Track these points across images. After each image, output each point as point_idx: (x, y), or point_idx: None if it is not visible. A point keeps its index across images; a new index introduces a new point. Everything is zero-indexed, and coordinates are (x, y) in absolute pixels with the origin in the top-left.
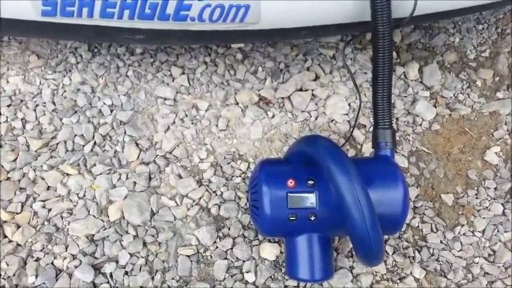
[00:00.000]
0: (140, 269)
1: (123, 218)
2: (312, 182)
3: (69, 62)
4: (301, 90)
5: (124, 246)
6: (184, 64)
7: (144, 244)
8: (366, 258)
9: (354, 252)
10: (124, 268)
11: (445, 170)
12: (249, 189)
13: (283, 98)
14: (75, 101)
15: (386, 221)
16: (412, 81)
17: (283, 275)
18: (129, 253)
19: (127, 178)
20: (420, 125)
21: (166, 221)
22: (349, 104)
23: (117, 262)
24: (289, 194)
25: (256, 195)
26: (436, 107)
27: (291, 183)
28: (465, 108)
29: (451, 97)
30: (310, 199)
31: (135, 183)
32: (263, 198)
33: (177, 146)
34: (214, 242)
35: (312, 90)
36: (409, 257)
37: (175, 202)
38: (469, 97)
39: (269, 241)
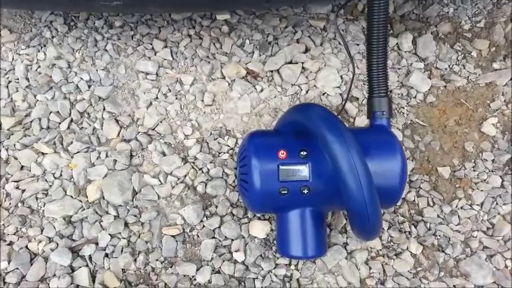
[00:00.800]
0: (122, 251)
1: (103, 198)
2: (305, 153)
3: (43, 36)
4: (290, 63)
5: (104, 227)
6: (166, 37)
7: (126, 225)
8: (363, 232)
9: (349, 227)
10: (104, 250)
11: (441, 142)
12: (237, 162)
13: (272, 72)
14: (51, 76)
15: (383, 194)
16: (406, 53)
17: (274, 253)
18: (110, 234)
19: (107, 156)
20: (415, 97)
21: (149, 200)
22: (341, 77)
23: (96, 244)
24: (281, 166)
25: (245, 168)
26: (430, 79)
27: (282, 154)
28: (461, 79)
29: (445, 68)
30: (303, 171)
31: (115, 161)
32: (252, 171)
33: (160, 122)
34: (201, 221)
35: (302, 62)
36: (405, 232)
37: (159, 180)
38: (464, 68)
39: (259, 218)
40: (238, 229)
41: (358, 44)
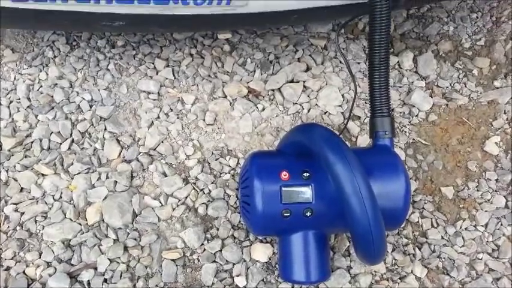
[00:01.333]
0: (121, 276)
1: (103, 220)
2: (308, 175)
3: (46, 55)
4: (292, 81)
5: (103, 251)
6: (168, 56)
7: (125, 248)
8: (367, 255)
9: (353, 250)
10: (103, 275)
11: (443, 161)
12: (239, 184)
13: (273, 90)
14: (52, 96)
15: (387, 215)
16: (407, 71)
17: (276, 278)
18: (109, 259)
19: (107, 177)
20: (416, 115)
21: (149, 223)
22: (342, 95)
23: (95, 269)
24: (283, 188)
25: (247, 190)
26: (432, 97)
27: (284, 176)
28: (462, 97)
29: (447, 87)
30: (306, 193)
31: (115, 182)
32: (255, 193)
33: (162, 142)
34: (202, 244)
35: (304, 81)
36: (409, 254)
37: (160, 202)
38: (465, 86)
39: (261, 241)
40: (240, 252)
41: (359, 63)
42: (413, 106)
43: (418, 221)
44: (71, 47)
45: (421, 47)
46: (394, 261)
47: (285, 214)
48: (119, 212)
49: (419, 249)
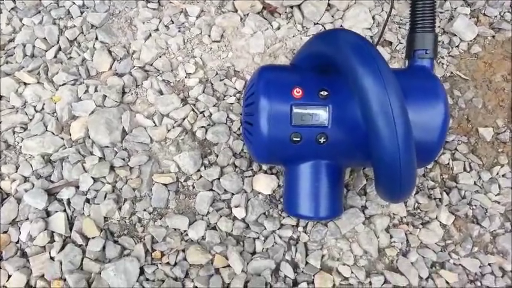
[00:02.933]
0: (105, 197)
1: (88, 136)
2: (326, 93)
3: None
4: None
5: (87, 169)
6: None
7: (112, 168)
8: (392, 189)
9: (370, 189)
10: (85, 195)
11: (484, 100)
12: (243, 101)
13: (292, 7)
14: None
15: (417, 148)
16: None
17: (279, 212)
18: (93, 177)
19: (95, 91)
20: (457, 46)
21: (140, 143)
22: (373, 17)
23: (77, 187)
24: (294, 108)
25: (251, 108)
26: (477, 26)
27: (297, 93)
28: None
29: (495, 16)
30: (321, 115)
31: (105, 96)
32: (260, 112)
33: (160, 57)
34: (198, 170)
35: None
36: (435, 198)
37: (153, 122)
38: None
39: (265, 172)
40: (240, 182)
41: None
42: (455, 35)
43: (448, 163)
44: None
45: None
46: (416, 204)
47: (295, 139)
48: (107, 128)
49: (447, 194)
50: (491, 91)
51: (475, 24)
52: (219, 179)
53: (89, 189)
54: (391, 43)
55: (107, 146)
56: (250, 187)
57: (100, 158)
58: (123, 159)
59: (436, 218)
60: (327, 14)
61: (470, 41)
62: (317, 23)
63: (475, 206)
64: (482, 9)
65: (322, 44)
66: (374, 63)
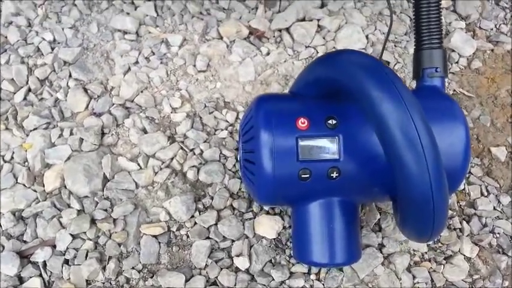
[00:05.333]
0: (86, 256)
1: (64, 187)
2: (334, 122)
3: None
4: (303, 20)
5: (64, 224)
6: None
7: (93, 221)
8: (424, 229)
9: (386, 224)
10: (63, 255)
11: (492, 117)
12: (240, 137)
13: (280, 31)
14: (6, 37)
15: None
16: (444, 10)
17: (288, 258)
18: (71, 234)
19: (71, 134)
20: (457, 62)
21: (124, 190)
22: (366, 37)
23: (53, 247)
24: (300, 140)
25: (250, 144)
26: (475, 40)
27: (302, 123)
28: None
29: (491, 29)
30: (332, 147)
31: (81, 140)
32: (261, 147)
33: (141, 92)
34: (192, 216)
35: (318, 20)
36: (455, 229)
37: (138, 164)
38: None
39: (267, 212)
40: (241, 227)
41: None
42: (453, 50)
43: (464, 189)
44: None
45: None
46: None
47: (303, 175)
48: (85, 176)
49: (468, 222)
50: (498, 107)
51: (472, 38)
52: (216, 224)
53: (67, 249)
54: (388, 63)
55: (86, 196)
56: (252, 231)
57: (79, 211)
58: (105, 210)
59: (459, 251)
60: (317, 36)
61: (470, 56)
62: (308, 46)
63: (499, 234)
64: (477, 23)
65: (326, 68)
66: (392, 85)
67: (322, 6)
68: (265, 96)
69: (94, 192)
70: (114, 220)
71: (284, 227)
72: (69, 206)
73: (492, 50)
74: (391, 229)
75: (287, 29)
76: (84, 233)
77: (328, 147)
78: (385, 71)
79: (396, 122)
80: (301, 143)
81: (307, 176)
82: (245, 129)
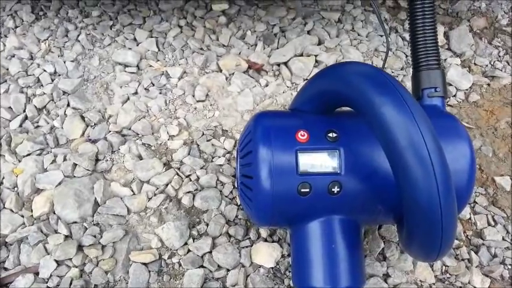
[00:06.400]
0: (70, 284)
1: (53, 212)
2: (335, 135)
3: (5, 26)
4: (301, 55)
5: (49, 251)
6: (152, 28)
7: (80, 248)
8: (431, 246)
9: (390, 252)
10: (46, 283)
11: (493, 147)
12: (238, 153)
13: (278, 65)
14: (7, 69)
15: None
16: None
17: None
18: (56, 260)
19: (64, 160)
20: (454, 95)
21: (115, 215)
22: None
23: (36, 274)
24: (300, 153)
25: (248, 158)
26: (472, 75)
27: (302, 136)
28: (507, 76)
29: (486, 65)
30: (332, 160)
31: (75, 165)
32: (259, 161)
33: (139, 120)
34: (185, 243)
35: (316, 55)
36: (463, 259)
37: (131, 190)
38: (509, 65)
39: (265, 240)
40: (237, 255)
41: (381, 35)
42: (450, 84)
43: (470, 218)
44: (37, 16)
45: (451, 23)
46: (444, 267)
47: (303, 190)
48: (75, 201)
49: (476, 253)
50: (499, 138)
51: (468, 72)
52: (210, 252)
53: (50, 276)
54: None
55: (75, 222)
56: (249, 260)
57: (66, 237)
58: (94, 236)
59: (469, 282)
60: (315, 70)
61: (467, 89)
62: (306, 79)
63: (510, 265)
64: (472, 59)
65: (328, 81)
66: (396, 92)
67: (320, 43)
68: (263, 112)
69: (83, 218)
70: (103, 246)
71: (283, 255)
72: (56, 231)
73: (489, 84)
74: (396, 258)
75: (285, 63)
76: (70, 259)
77: (329, 160)
78: (388, 78)
79: (401, 129)
80: (301, 155)
81: (307, 190)
82: (243, 144)
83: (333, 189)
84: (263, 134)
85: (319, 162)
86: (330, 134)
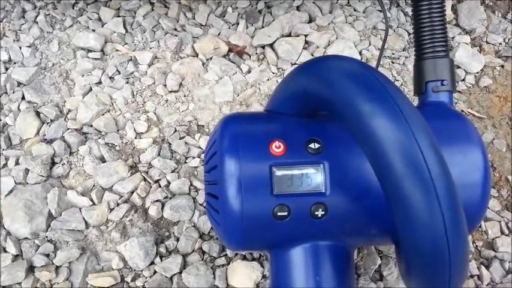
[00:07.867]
0: None
1: (2, 227)
2: (317, 146)
3: None
4: (289, 35)
5: None
6: (120, 5)
7: (31, 269)
8: (437, 282)
9: (388, 271)
10: None
11: (507, 141)
12: (204, 165)
13: (263, 47)
14: None
15: None
16: None
17: None
18: (2, 286)
19: (17, 164)
20: (463, 80)
21: (71, 230)
22: (360, 52)
23: None
24: (275, 169)
25: (214, 174)
26: (483, 56)
27: (277, 148)
28: None
29: (500, 43)
30: (315, 177)
31: (27, 171)
32: (226, 178)
33: (102, 115)
34: (152, 263)
35: (306, 35)
36: (472, 276)
37: (90, 199)
38: None
39: (244, 258)
40: (211, 276)
41: (380, 11)
42: (459, 67)
43: (480, 226)
44: None
45: None
46: None
47: (280, 214)
48: (26, 214)
49: (487, 268)
50: None
51: (479, 53)
52: (180, 273)
53: None
54: None
55: (27, 238)
56: (225, 282)
57: (16, 256)
58: (47, 256)
59: None
60: (305, 53)
61: (477, 72)
62: (295, 63)
63: None
64: (483, 37)
65: (307, 80)
66: (389, 98)
67: (310, 21)
68: (232, 115)
69: (35, 233)
70: (57, 268)
71: (264, 276)
72: (4, 250)
73: (502, 66)
74: (394, 278)
75: (271, 45)
76: (19, 283)
77: (311, 177)
78: (379, 79)
79: (394, 144)
80: (277, 172)
81: (285, 214)
82: (208, 155)
83: (316, 213)
84: (230, 145)
85: (299, 179)
86: (312, 145)
